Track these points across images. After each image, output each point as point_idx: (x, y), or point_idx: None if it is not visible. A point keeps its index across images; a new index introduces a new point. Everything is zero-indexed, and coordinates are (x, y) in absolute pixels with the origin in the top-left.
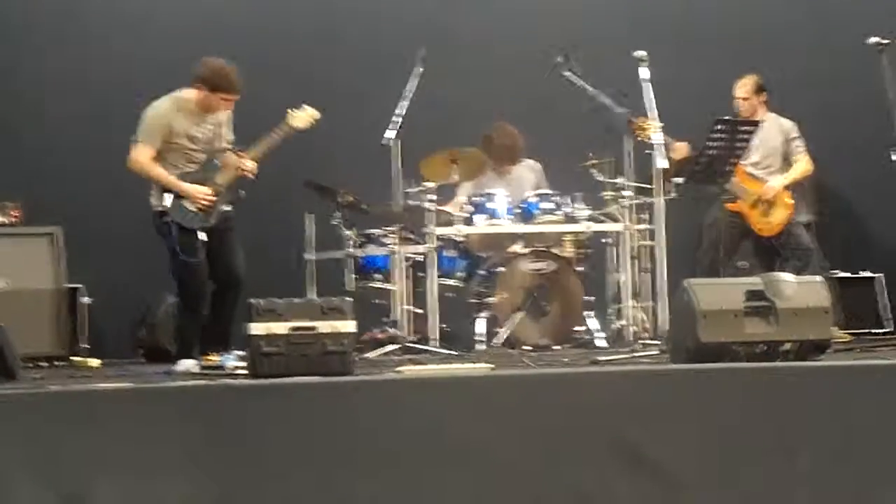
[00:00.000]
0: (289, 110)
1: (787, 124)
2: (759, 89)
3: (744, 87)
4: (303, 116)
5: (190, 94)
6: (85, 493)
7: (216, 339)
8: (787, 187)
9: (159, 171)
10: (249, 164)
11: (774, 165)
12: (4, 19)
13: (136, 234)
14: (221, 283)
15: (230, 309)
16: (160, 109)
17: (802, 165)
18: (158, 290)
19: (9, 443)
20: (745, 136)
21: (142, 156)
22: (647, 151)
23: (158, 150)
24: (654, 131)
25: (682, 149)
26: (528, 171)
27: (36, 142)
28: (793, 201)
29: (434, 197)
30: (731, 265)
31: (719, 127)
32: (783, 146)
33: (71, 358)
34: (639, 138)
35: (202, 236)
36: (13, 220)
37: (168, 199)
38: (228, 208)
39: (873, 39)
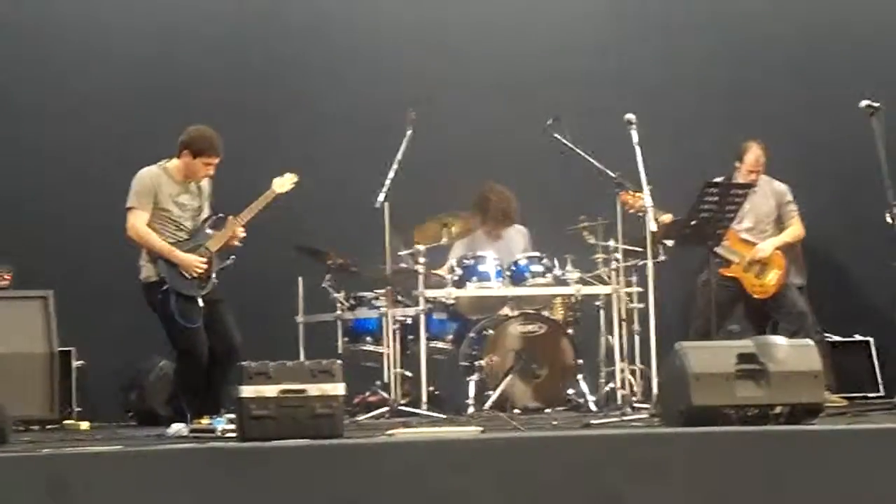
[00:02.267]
0: (274, 179)
1: (781, 188)
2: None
3: (761, 163)
4: (284, 182)
5: (173, 163)
6: None
7: (209, 406)
8: (778, 249)
9: (156, 239)
10: (239, 231)
11: (768, 230)
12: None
13: (128, 297)
14: (218, 353)
15: (224, 376)
16: (146, 174)
17: (795, 230)
18: (149, 354)
19: None
20: (737, 200)
21: (139, 221)
22: (639, 214)
23: (151, 218)
24: (644, 197)
25: (667, 220)
26: (518, 235)
27: (28, 206)
28: (785, 263)
29: (424, 260)
30: (723, 328)
31: (710, 190)
32: (776, 210)
33: (63, 421)
34: (629, 211)
35: (200, 303)
36: (5, 283)
37: (164, 269)
38: (223, 265)
39: (864, 103)
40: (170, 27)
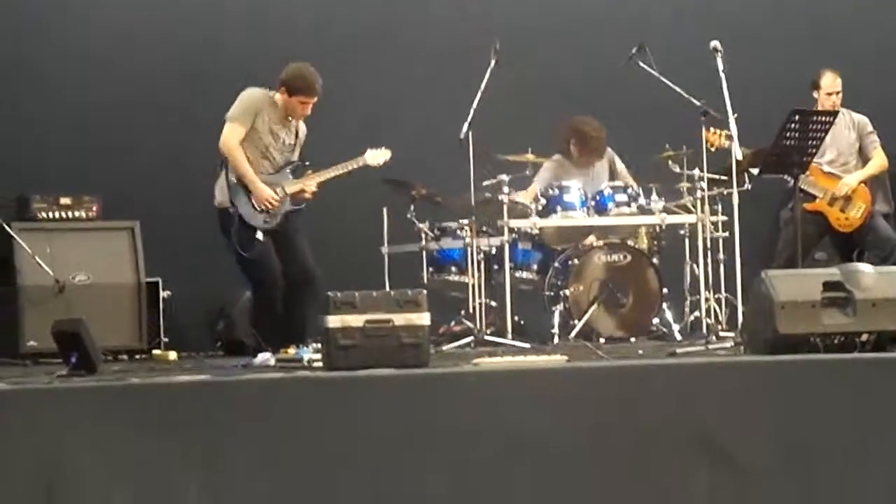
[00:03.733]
0: (368, 150)
1: (861, 119)
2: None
3: (838, 84)
4: (377, 155)
5: (277, 96)
6: (165, 488)
7: (293, 336)
8: (863, 182)
9: (243, 160)
10: (312, 187)
11: (850, 161)
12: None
13: (214, 228)
14: (295, 282)
15: (306, 306)
16: (254, 93)
17: (878, 161)
18: (236, 284)
19: (92, 436)
20: (822, 127)
21: (233, 136)
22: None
23: (242, 139)
24: (725, 134)
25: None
26: (604, 162)
27: (114, 136)
28: (870, 194)
29: (508, 190)
30: (808, 258)
31: (795, 118)
32: (857, 142)
33: (151, 351)
34: (712, 148)
35: (259, 235)
36: (92, 214)
37: (235, 193)
38: (295, 207)
39: None
40: None
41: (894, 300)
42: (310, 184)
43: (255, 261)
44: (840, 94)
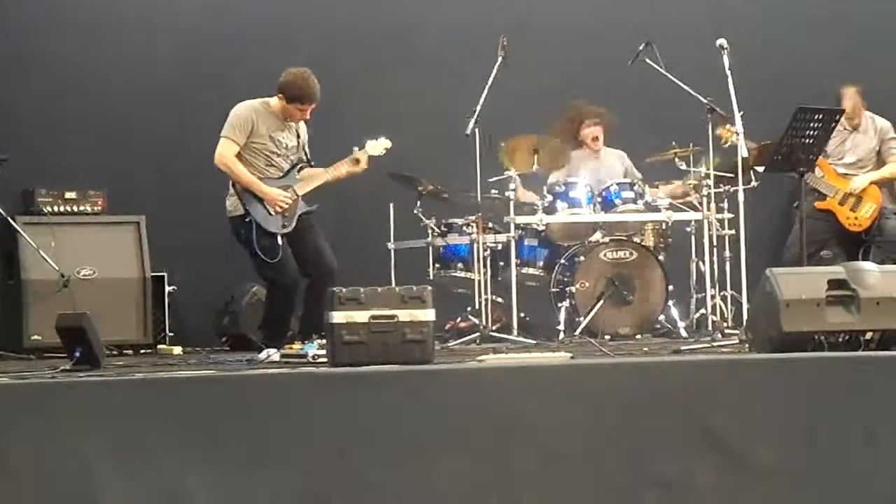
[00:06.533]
0: (367, 141)
1: (885, 125)
2: (860, 97)
3: (857, 105)
4: (377, 145)
5: (274, 101)
6: (169, 482)
7: (315, 328)
8: (874, 183)
9: (242, 170)
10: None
11: (869, 166)
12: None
13: (220, 223)
14: (315, 277)
15: (323, 301)
16: (246, 107)
17: (893, 166)
18: (242, 279)
19: (95, 431)
20: (829, 126)
21: (227, 152)
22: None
23: (242, 150)
24: (735, 132)
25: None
26: (617, 160)
27: (120, 130)
28: (881, 195)
29: (514, 186)
30: (816, 256)
31: (801, 115)
32: (879, 146)
33: (156, 346)
34: (724, 144)
35: (280, 240)
36: (98, 208)
37: (248, 202)
38: (308, 209)
39: None
40: None
41: None
42: (319, 182)
43: (277, 265)
44: (857, 106)
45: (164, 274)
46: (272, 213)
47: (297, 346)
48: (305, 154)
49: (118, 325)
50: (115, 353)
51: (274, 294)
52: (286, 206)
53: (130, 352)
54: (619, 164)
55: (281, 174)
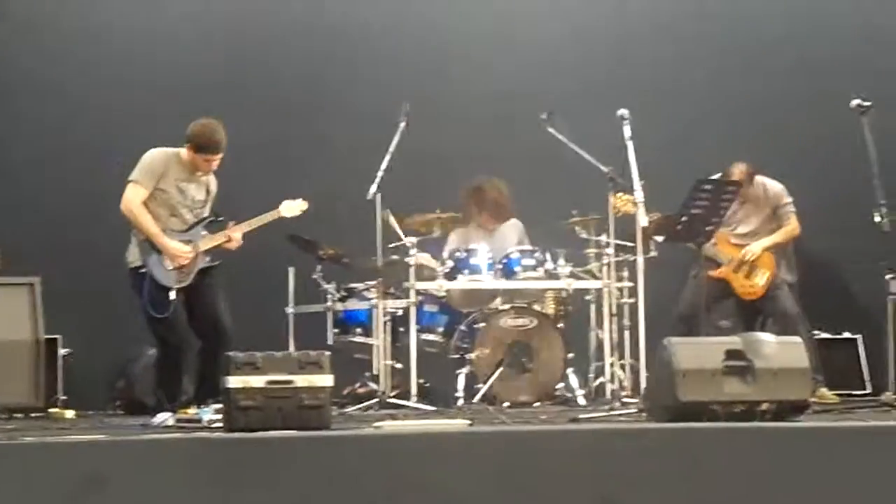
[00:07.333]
0: (283, 202)
1: (776, 191)
2: (750, 177)
3: (740, 173)
4: (293, 207)
5: (184, 152)
6: None
7: (210, 393)
8: (767, 249)
9: (147, 219)
10: (237, 236)
11: (763, 233)
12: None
13: (116, 285)
14: (209, 338)
15: (218, 363)
16: (159, 153)
17: (789, 229)
18: (137, 342)
19: None
20: (728, 198)
21: (135, 198)
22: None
23: (147, 199)
24: (631, 201)
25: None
26: (512, 229)
27: (13, 191)
28: (774, 263)
29: (415, 252)
30: (711, 324)
31: (701, 187)
32: (773, 212)
33: (48, 409)
34: (618, 214)
35: (172, 295)
36: None
37: (146, 252)
38: (211, 263)
39: (855, 102)
40: (163, 28)
41: (795, 370)
42: (232, 236)
43: (166, 322)
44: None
45: (59, 336)
46: (169, 266)
47: (192, 410)
48: (213, 210)
49: (9, 388)
50: (4, 416)
51: (164, 352)
52: (185, 263)
53: (21, 415)
54: (513, 233)
55: (185, 227)
